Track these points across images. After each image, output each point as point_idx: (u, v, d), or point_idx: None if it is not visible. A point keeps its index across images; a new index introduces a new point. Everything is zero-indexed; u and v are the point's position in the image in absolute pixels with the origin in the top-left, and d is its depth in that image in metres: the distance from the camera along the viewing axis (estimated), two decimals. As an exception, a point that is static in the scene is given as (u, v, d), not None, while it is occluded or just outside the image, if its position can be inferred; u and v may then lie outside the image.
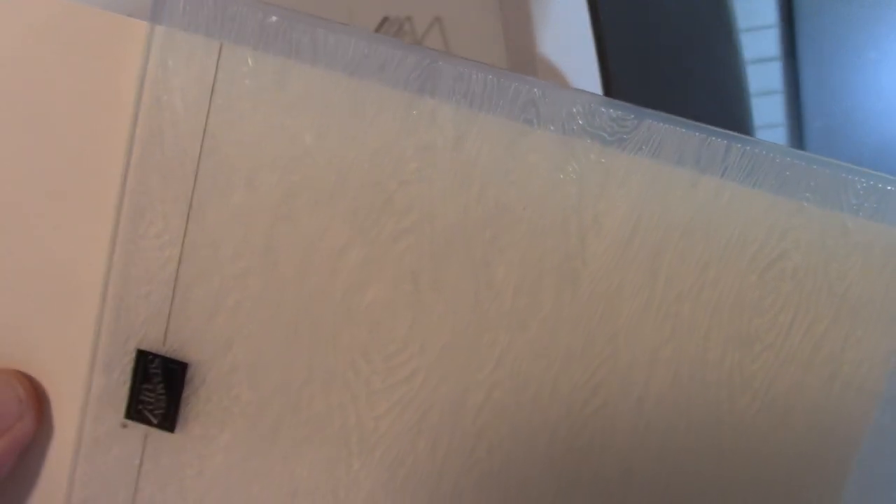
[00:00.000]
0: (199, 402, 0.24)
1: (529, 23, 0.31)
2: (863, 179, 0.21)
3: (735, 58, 0.30)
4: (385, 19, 0.35)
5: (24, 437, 0.24)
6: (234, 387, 0.24)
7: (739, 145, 0.21)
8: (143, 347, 0.24)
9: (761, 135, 0.34)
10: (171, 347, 0.24)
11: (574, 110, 0.22)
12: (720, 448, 0.23)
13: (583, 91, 0.22)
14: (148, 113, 0.23)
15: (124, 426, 0.25)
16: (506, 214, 0.22)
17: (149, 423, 0.25)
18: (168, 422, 0.24)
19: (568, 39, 0.30)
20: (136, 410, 0.24)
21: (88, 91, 0.23)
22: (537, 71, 0.31)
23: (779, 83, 0.36)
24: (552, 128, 0.22)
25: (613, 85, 0.30)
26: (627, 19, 0.30)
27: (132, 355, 0.24)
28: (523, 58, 0.32)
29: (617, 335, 0.23)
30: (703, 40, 0.30)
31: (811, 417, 0.22)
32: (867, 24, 0.36)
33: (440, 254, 0.23)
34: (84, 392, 0.25)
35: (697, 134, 0.21)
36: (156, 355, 0.24)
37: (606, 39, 0.29)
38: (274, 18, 0.22)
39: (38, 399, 0.25)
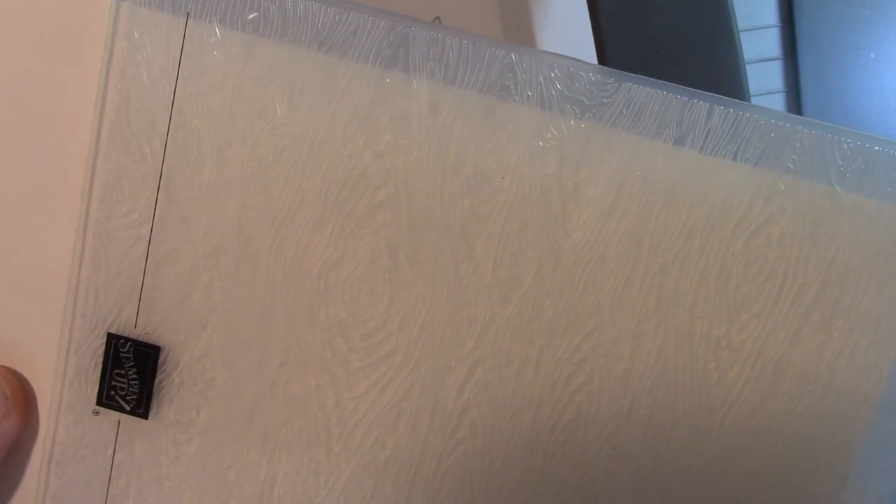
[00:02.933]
0: (173, 387, 0.24)
1: (529, 23, 0.31)
2: (849, 140, 0.20)
3: (735, 58, 0.30)
4: None
5: (10, 434, 0.24)
6: (208, 370, 0.23)
7: (722, 107, 0.21)
8: (114, 331, 0.23)
9: None
10: (142, 330, 0.23)
11: (552, 74, 0.21)
12: (708, 421, 0.22)
13: (560, 55, 0.21)
14: (114, 88, 0.22)
15: (96, 413, 0.24)
16: (484, 184, 0.22)
17: (121, 409, 0.24)
18: (141, 407, 0.24)
19: (568, 39, 0.30)
20: (108, 396, 0.24)
21: (54, 66, 0.22)
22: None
23: (779, 83, 0.36)
24: (530, 93, 0.21)
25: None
26: (627, 19, 0.29)
27: (103, 339, 0.24)
28: None
29: (601, 307, 0.22)
30: (703, 40, 0.29)
31: (801, 387, 0.22)
32: (867, 24, 0.35)
33: (417, 227, 0.22)
34: (58, 380, 0.24)
35: (679, 97, 0.21)
36: (127, 339, 0.23)
37: (606, 39, 0.29)
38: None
39: (24, 395, 0.24)
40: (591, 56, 0.30)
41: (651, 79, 0.21)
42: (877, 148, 0.20)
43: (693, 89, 0.21)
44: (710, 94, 0.21)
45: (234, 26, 0.22)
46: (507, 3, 0.34)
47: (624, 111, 0.21)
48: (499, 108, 0.21)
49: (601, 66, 0.21)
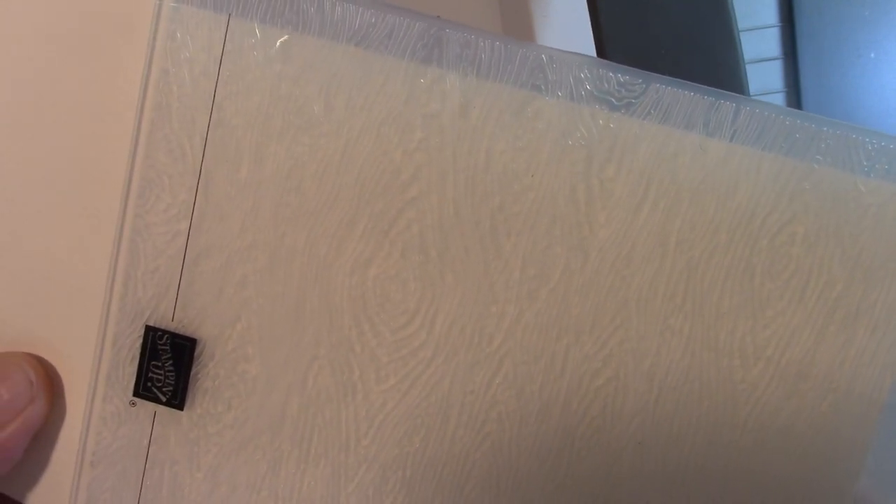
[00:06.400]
0: (208, 379, 0.24)
1: (529, 23, 0.31)
2: (873, 140, 0.21)
3: (735, 58, 0.30)
4: None
5: (36, 420, 0.24)
6: (241, 362, 0.24)
7: (748, 108, 0.21)
8: (152, 323, 0.24)
9: None
10: (179, 323, 0.24)
11: (582, 75, 0.21)
12: (733, 418, 0.22)
13: (590, 56, 0.21)
14: (156, 86, 0.23)
15: (133, 404, 0.25)
16: (514, 182, 0.22)
17: (157, 400, 0.24)
18: (177, 399, 0.24)
19: (568, 39, 0.30)
20: (144, 388, 0.24)
21: (97, 63, 0.23)
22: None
23: (779, 83, 0.36)
24: (560, 93, 0.22)
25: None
26: (627, 19, 0.30)
27: (140, 332, 0.24)
28: None
29: (627, 304, 0.22)
30: (703, 40, 0.30)
31: (825, 385, 0.22)
32: (867, 24, 0.36)
33: (448, 224, 0.23)
34: (94, 371, 0.25)
35: (706, 97, 0.21)
36: (164, 331, 0.24)
37: (606, 39, 0.30)
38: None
39: (49, 381, 0.25)
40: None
41: (678, 80, 0.21)
42: (901, 148, 0.21)
43: (719, 90, 0.21)
44: (735, 94, 0.21)
45: (275, 26, 0.22)
46: (507, 3, 0.35)
47: (652, 111, 0.21)
48: (529, 108, 0.22)
49: (630, 67, 0.21)
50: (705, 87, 0.21)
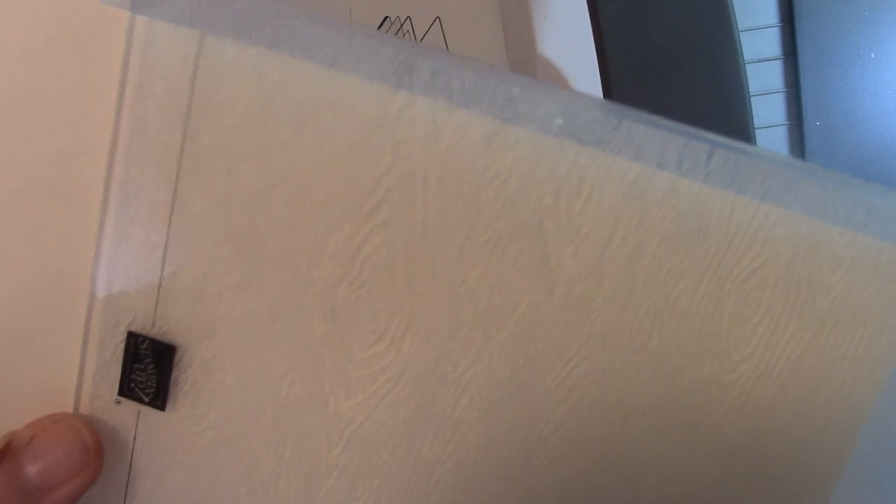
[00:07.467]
0: (188, 383, 0.25)
1: (529, 23, 0.30)
2: (851, 192, 0.20)
3: (735, 58, 0.29)
4: (385, 19, 0.35)
5: (86, 486, 0.25)
6: (218, 371, 0.25)
7: (723, 151, 0.20)
8: (134, 329, 0.25)
9: (761, 135, 0.33)
10: (159, 330, 0.25)
11: (553, 109, 0.21)
12: (695, 456, 0.22)
13: (562, 90, 0.21)
14: (131, 100, 0.23)
15: (118, 402, 0.26)
16: (482, 212, 0.22)
17: (140, 400, 0.25)
18: (159, 400, 0.25)
19: (568, 39, 0.29)
20: (128, 388, 0.25)
21: (71, 79, 0.23)
22: (537, 71, 0.30)
23: (779, 83, 0.35)
24: (531, 126, 0.21)
25: (613, 85, 0.29)
26: (627, 19, 0.29)
27: (123, 336, 0.25)
28: (523, 57, 0.32)
29: (593, 337, 0.22)
30: (703, 40, 0.29)
31: (788, 433, 0.22)
32: (867, 24, 0.35)
33: (416, 249, 0.23)
34: (82, 371, 0.26)
35: (679, 137, 0.20)
36: (145, 337, 0.25)
37: (606, 39, 0.29)
38: (253, 10, 0.22)
39: (101, 448, 0.25)
40: (590, 56, 0.30)
41: (652, 116, 0.20)
42: (878, 202, 0.20)
43: (694, 129, 0.20)
44: (710, 135, 0.20)
45: (248, 45, 0.22)
46: (507, 3, 0.34)
47: (623, 148, 0.21)
48: (499, 138, 0.21)
49: (603, 102, 0.21)
50: (679, 125, 0.21)
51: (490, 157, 0.22)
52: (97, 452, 0.25)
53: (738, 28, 0.30)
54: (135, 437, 0.26)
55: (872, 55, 0.35)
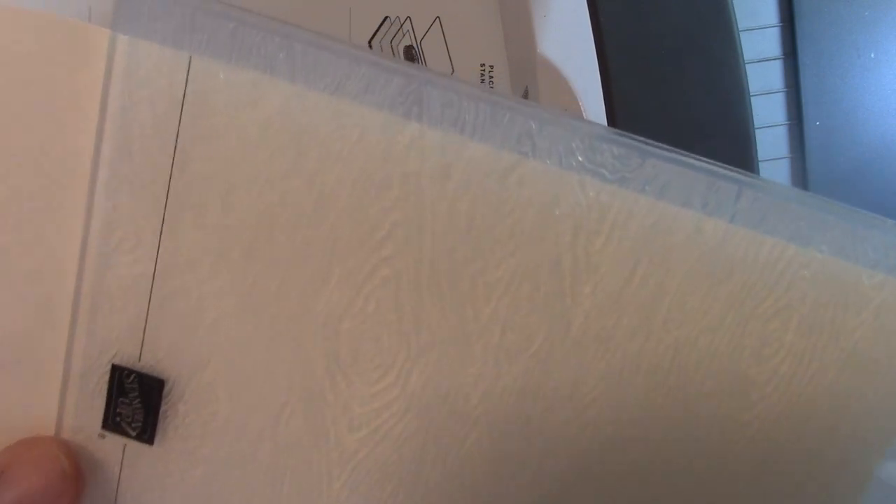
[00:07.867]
0: (178, 417, 0.24)
1: (529, 23, 0.29)
2: (882, 235, 0.19)
3: (735, 58, 0.28)
4: (385, 19, 0.34)
5: None
6: (211, 403, 0.23)
7: (751, 191, 0.19)
8: (118, 362, 0.23)
9: (761, 135, 0.32)
10: (146, 363, 0.23)
11: (573, 145, 0.20)
12: (709, 494, 0.22)
13: (583, 123, 0.20)
14: (115, 125, 0.21)
15: (102, 436, 0.24)
16: (496, 248, 0.21)
17: (127, 434, 0.24)
18: (147, 434, 0.24)
19: (568, 39, 0.28)
20: (113, 422, 0.24)
21: (50, 100, 0.21)
22: (537, 70, 0.29)
23: (779, 83, 0.35)
24: (549, 161, 0.20)
25: (613, 85, 0.28)
26: (627, 19, 0.28)
27: (107, 367, 0.23)
28: (523, 57, 0.30)
29: (608, 376, 0.22)
30: (703, 40, 0.28)
31: (804, 473, 0.21)
32: (867, 24, 0.35)
33: (424, 284, 0.21)
34: (64, 403, 0.24)
35: (706, 177, 0.20)
36: (131, 371, 0.23)
37: (606, 39, 0.28)
38: (245, 31, 0.20)
39: (80, 474, 0.24)
40: (590, 56, 0.29)
41: (678, 153, 0.20)
42: (911, 247, 0.19)
43: (721, 165, 0.20)
44: (739, 173, 0.19)
45: (241, 68, 0.20)
46: (507, 3, 0.33)
47: (647, 187, 0.20)
48: (515, 173, 0.20)
49: (626, 138, 0.19)
50: (706, 162, 0.20)
51: (505, 192, 0.20)
52: (76, 479, 0.24)
53: (738, 28, 0.29)
54: (120, 470, 0.25)
55: (872, 55, 0.34)
